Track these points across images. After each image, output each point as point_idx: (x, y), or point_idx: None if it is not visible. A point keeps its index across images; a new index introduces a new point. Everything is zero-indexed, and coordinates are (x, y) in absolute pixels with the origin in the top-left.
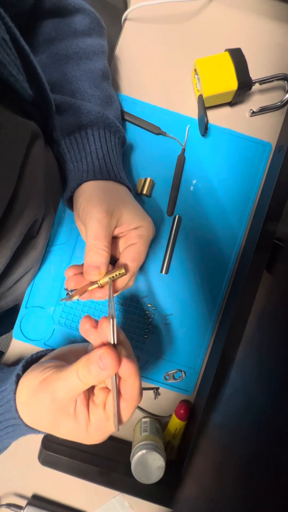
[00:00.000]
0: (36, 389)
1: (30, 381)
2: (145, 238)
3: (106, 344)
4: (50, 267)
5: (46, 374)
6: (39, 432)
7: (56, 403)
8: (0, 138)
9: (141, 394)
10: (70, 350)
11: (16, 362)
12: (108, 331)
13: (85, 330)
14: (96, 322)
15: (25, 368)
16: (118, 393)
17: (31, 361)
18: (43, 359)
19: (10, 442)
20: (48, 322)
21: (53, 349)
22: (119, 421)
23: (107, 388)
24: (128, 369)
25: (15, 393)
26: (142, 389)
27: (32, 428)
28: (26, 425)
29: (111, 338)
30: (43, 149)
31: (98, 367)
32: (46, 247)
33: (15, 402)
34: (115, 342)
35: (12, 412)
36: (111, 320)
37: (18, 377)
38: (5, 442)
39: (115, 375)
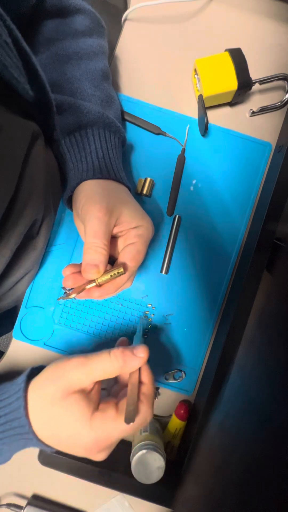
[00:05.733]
0: (73, 358)
1: (62, 359)
2: (144, 238)
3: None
4: (50, 267)
5: (81, 357)
6: (38, 441)
7: (86, 369)
8: (1, 138)
9: (153, 404)
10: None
11: (15, 365)
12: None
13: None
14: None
15: (29, 376)
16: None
17: (39, 368)
18: None
19: (7, 454)
20: (48, 322)
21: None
22: (136, 413)
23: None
24: (148, 371)
25: (25, 387)
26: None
27: (34, 433)
28: (30, 427)
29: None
30: (44, 150)
31: (132, 353)
32: (46, 248)
33: (25, 398)
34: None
35: (20, 411)
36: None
37: (30, 375)
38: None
39: (138, 373)
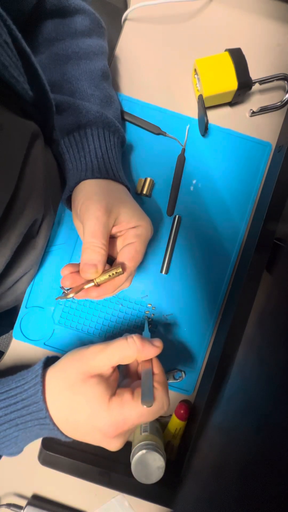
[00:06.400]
0: (91, 345)
1: (75, 353)
2: (143, 238)
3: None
4: (50, 267)
5: (100, 344)
6: (53, 427)
7: (104, 353)
8: (0, 138)
9: (167, 392)
10: None
11: (15, 365)
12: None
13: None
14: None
15: (48, 360)
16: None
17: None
18: None
19: (21, 444)
20: (48, 322)
21: None
22: (153, 396)
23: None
24: (159, 364)
25: (42, 376)
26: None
27: (50, 419)
28: (47, 411)
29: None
30: (43, 150)
31: (150, 342)
32: (45, 247)
33: (43, 381)
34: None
35: (38, 395)
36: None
37: (46, 362)
38: (20, 436)
39: (150, 362)
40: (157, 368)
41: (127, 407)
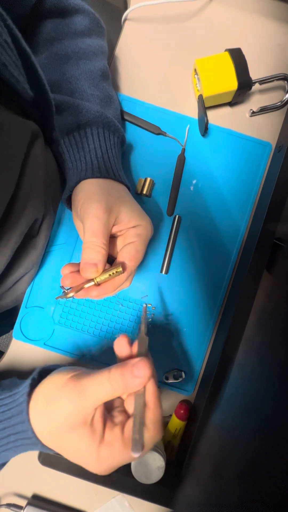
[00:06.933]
0: (66, 382)
1: (58, 377)
2: (143, 237)
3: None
4: (50, 267)
5: (78, 372)
6: (42, 446)
7: (82, 399)
8: (0, 138)
9: (162, 428)
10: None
11: (15, 365)
12: (142, 346)
13: (120, 346)
14: (131, 341)
15: (41, 374)
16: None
17: (47, 370)
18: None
19: (8, 457)
20: (48, 322)
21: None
22: (142, 446)
23: (126, 412)
24: (153, 391)
25: (28, 396)
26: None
27: (36, 438)
28: (33, 433)
29: (145, 352)
30: (43, 149)
31: (131, 373)
32: (46, 247)
33: (27, 405)
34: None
35: (23, 415)
36: (145, 336)
37: (33, 381)
38: (2, 455)
39: (143, 396)
40: (150, 398)
41: (117, 456)
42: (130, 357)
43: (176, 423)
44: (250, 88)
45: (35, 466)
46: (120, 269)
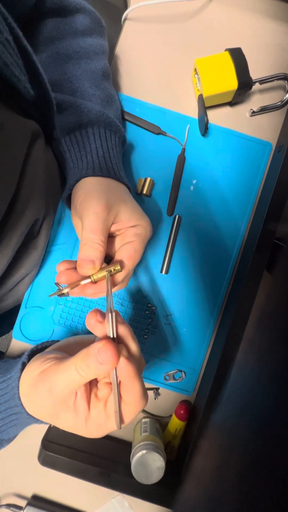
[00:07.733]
0: (35, 380)
1: (30, 371)
2: (142, 237)
3: (106, 338)
4: (50, 268)
5: (46, 366)
6: (41, 422)
7: (54, 395)
8: (1, 137)
9: (144, 398)
10: (76, 341)
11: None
12: (107, 326)
13: (91, 325)
14: (103, 316)
15: (31, 357)
16: (119, 395)
17: (36, 351)
18: (47, 350)
19: (16, 432)
20: (48, 322)
21: (58, 340)
22: (121, 420)
23: (111, 383)
24: (126, 371)
25: (19, 380)
26: (145, 392)
27: (33, 418)
28: (28, 414)
29: (110, 332)
30: (44, 149)
31: (97, 361)
32: (46, 248)
33: (18, 390)
34: (115, 337)
35: (15, 400)
36: (109, 314)
37: (24, 365)
38: (10, 430)
39: (115, 372)
40: (121, 374)
41: (104, 428)
42: (104, 335)
43: (176, 424)
44: (250, 87)
45: (35, 466)
46: (118, 267)
